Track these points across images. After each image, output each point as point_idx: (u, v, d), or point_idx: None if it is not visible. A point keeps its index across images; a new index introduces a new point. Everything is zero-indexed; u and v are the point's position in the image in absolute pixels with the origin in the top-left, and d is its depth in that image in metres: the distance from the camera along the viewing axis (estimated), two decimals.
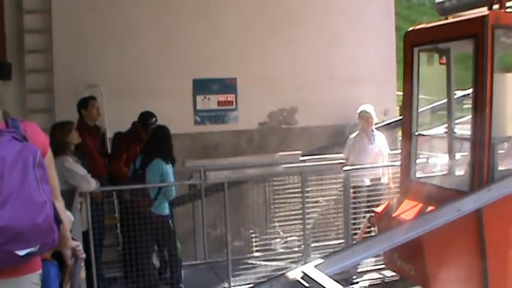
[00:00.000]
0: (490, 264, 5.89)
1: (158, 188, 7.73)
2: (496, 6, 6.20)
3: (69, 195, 6.44)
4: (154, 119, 8.59)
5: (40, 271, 3.47)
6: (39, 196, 3.16)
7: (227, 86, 10.69)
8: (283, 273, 5.18)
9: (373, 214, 7.30)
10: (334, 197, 8.73)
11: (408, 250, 5.92)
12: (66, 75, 9.66)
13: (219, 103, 10.65)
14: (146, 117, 8.61)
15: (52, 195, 3.34)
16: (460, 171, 6.97)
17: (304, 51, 10.99)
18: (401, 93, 6.95)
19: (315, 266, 5.03)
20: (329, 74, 11.09)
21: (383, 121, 10.66)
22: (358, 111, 9.12)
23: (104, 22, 9.85)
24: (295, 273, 4.99)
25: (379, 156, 8.95)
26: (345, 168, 8.29)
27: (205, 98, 10.38)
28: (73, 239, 4.00)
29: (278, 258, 8.46)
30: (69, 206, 5.11)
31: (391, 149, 9.22)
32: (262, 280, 5.73)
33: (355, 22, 11.30)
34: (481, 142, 5.99)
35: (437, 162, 8.08)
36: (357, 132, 9.15)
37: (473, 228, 5.86)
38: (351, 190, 8.29)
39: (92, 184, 7.35)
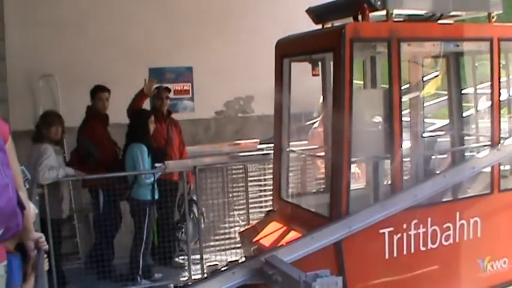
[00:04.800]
0: None
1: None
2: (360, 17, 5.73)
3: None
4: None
5: (5, 262, 3.44)
6: (0, 179, 3.10)
7: (183, 75, 10.67)
8: (245, 261, 5.23)
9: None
10: None
11: None
12: (19, 64, 9.47)
13: (176, 92, 10.58)
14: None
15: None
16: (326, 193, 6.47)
17: (260, 40, 10.92)
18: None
19: (276, 253, 5.10)
20: None
21: None
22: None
23: (58, 10, 9.67)
24: (257, 261, 5.05)
25: None
26: None
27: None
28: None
29: (237, 247, 8.49)
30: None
31: None
32: (225, 268, 5.76)
33: None
34: (339, 163, 5.59)
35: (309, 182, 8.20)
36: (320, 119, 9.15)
37: (333, 258, 5.49)
38: None
39: (47, 178, 7.39)
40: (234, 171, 8.79)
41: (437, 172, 6.74)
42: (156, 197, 8.09)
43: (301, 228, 5.85)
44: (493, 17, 6.24)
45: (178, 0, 10.54)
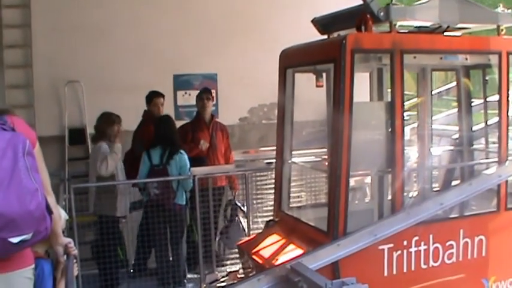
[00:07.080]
0: None
1: (178, 180, 7.99)
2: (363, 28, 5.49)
3: None
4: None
5: (33, 266, 3.48)
6: (30, 184, 3.17)
7: (207, 81, 10.68)
8: (271, 268, 5.22)
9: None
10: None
11: None
12: (45, 71, 9.65)
13: None
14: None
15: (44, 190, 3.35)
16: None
17: (283, 47, 10.98)
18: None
19: (302, 261, 5.09)
20: None
21: None
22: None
23: (84, 17, 9.80)
24: (282, 268, 5.05)
25: None
26: None
27: (185, 93, 10.36)
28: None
29: None
30: None
31: None
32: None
33: None
34: (336, 177, 5.35)
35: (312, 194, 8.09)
36: None
37: (330, 274, 5.18)
38: None
39: (106, 170, 7.74)
40: (258, 178, 8.77)
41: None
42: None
43: (301, 242, 5.74)
44: (502, 30, 6.02)
45: (203, 7, 10.60)
